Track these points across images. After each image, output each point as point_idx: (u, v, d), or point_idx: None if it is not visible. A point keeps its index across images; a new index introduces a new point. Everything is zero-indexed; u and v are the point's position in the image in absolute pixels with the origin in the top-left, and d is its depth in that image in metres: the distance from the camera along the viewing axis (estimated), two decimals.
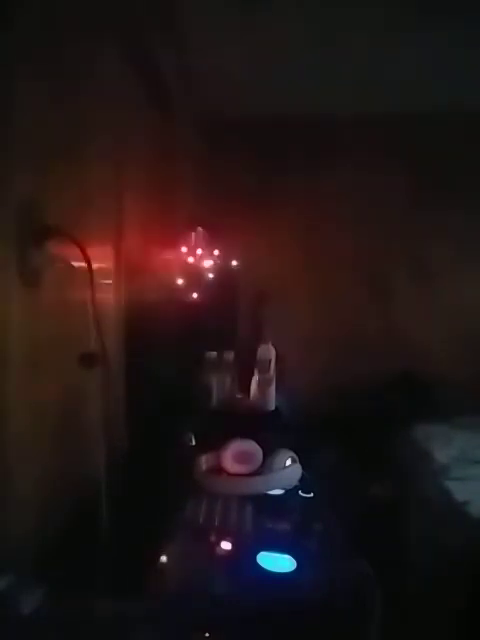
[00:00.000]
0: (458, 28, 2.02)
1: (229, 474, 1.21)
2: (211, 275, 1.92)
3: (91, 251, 1.01)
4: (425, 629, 1.55)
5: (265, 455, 1.22)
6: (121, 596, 0.77)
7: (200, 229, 1.97)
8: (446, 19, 1.96)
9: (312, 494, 1.18)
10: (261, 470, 1.20)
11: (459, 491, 1.89)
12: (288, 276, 3.01)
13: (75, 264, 0.98)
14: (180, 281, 1.74)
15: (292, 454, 1.23)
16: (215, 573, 0.87)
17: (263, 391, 1.65)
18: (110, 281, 1.50)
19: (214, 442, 1.27)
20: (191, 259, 1.89)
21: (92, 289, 0.97)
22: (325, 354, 2.99)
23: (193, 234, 1.94)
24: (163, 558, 0.92)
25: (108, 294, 1.47)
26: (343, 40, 2.13)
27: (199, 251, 1.93)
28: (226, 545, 0.96)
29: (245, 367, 1.75)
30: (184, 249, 1.93)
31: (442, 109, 2.76)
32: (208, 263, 1.96)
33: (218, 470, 1.22)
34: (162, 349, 1.66)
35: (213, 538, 0.98)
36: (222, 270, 1.78)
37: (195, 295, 1.75)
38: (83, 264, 0.97)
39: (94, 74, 1.32)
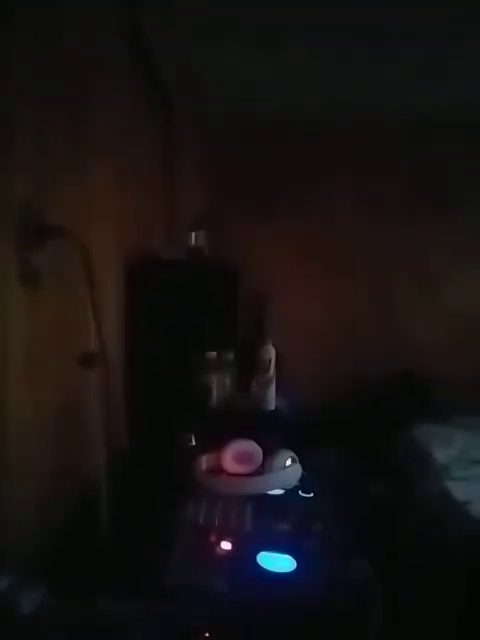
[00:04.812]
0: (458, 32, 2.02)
1: (229, 474, 1.21)
2: (211, 275, 1.91)
3: (91, 251, 1.01)
4: (425, 629, 1.55)
5: (265, 455, 1.22)
6: (121, 596, 0.77)
7: (200, 229, 1.97)
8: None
9: (312, 494, 1.18)
10: (261, 470, 1.20)
11: (459, 491, 1.89)
12: (288, 276, 3.01)
13: (75, 264, 0.98)
14: (180, 280, 1.74)
15: (292, 454, 1.23)
16: (215, 573, 0.87)
17: (263, 391, 1.65)
18: (110, 281, 1.50)
19: (214, 442, 1.27)
20: (191, 259, 1.89)
21: (92, 289, 0.97)
22: (325, 354, 2.99)
23: (193, 234, 1.93)
24: (163, 558, 0.92)
25: (108, 294, 1.47)
26: (344, 40, 2.13)
27: (199, 252, 1.93)
28: (226, 545, 0.96)
29: (245, 367, 1.75)
30: (184, 249, 1.93)
31: (443, 112, 2.77)
32: (208, 263, 1.96)
33: (218, 470, 1.22)
34: (162, 349, 1.66)
35: (213, 538, 0.98)
36: (222, 270, 1.78)
37: (195, 295, 1.74)
38: (83, 264, 0.97)
39: (95, 74, 1.32)
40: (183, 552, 0.94)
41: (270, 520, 1.04)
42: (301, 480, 1.21)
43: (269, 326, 2.51)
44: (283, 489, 1.19)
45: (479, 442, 2.32)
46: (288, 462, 1.21)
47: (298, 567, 0.90)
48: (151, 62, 1.84)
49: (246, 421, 1.57)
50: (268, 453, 1.22)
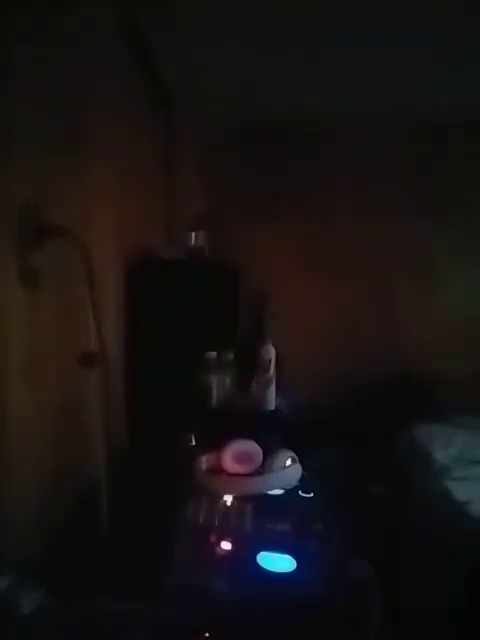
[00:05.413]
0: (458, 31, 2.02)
1: (229, 474, 1.21)
2: (211, 275, 1.91)
3: (91, 251, 1.01)
4: (424, 629, 1.55)
5: (265, 455, 1.22)
6: (121, 596, 0.77)
7: (200, 229, 1.97)
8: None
9: (312, 494, 1.18)
10: (261, 470, 1.20)
11: (459, 491, 1.89)
12: (288, 276, 3.01)
13: (75, 264, 0.98)
14: (180, 280, 1.74)
15: (292, 454, 1.23)
16: (215, 573, 0.87)
17: (263, 391, 1.65)
18: (110, 281, 1.50)
19: (214, 442, 1.27)
20: (191, 259, 1.89)
21: (92, 289, 0.97)
22: (325, 354, 2.99)
23: (193, 234, 1.93)
24: (163, 558, 0.92)
25: (108, 294, 1.47)
26: (344, 40, 2.13)
27: (199, 252, 1.93)
28: (226, 545, 0.95)
29: (245, 367, 1.75)
30: (184, 249, 1.93)
31: (443, 112, 2.77)
32: (208, 263, 1.96)
33: (218, 470, 1.22)
34: (162, 349, 1.66)
35: (213, 538, 0.98)
36: (222, 270, 1.78)
37: (195, 295, 1.75)
38: (83, 264, 0.97)
39: (95, 74, 1.32)
40: (183, 552, 0.94)
41: (270, 520, 1.04)
42: (301, 480, 1.21)
43: (269, 326, 2.51)
44: (283, 489, 1.19)
45: (479, 442, 2.33)
46: (288, 462, 1.21)
47: (298, 567, 0.90)
48: (151, 62, 1.84)
49: (246, 421, 1.57)
50: (268, 453, 1.22)
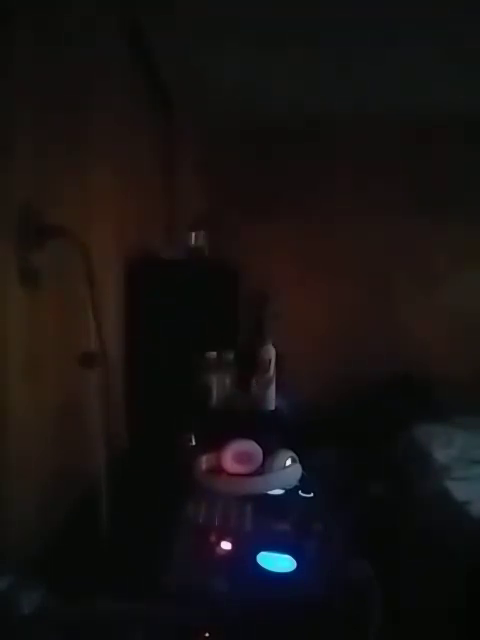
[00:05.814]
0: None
1: (229, 474, 1.21)
2: (211, 275, 1.92)
3: (91, 251, 1.01)
4: (425, 629, 1.55)
5: (265, 455, 1.22)
6: (121, 596, 0.77)
7: (200, 229, 1.97)
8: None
9: (312, 494, 1.18)
10: (261, 470, 1.20)
11: (459, 491, 1.89)
12: (288, 276, 3.01)
13: (75, 264, 0.98)
14: (180, 280, 1.74)
15: (292, 454, 1.23)
16: (215, 573, 0.87)
17: (263, 391, 1.65)
18: (110, 281, 1.50)
19: (214, 442, 1.27)
20: (191, 259, 1.89)
21: (92, 289, 0.97)
22: (325, 354, 2.99)
23: (193, 234, 1.93)
24: (163, 558, 0.92)
25: (108, 294, 1.47)
26: (344, 40, 2.12)
27: (199, 252, 1.93)
28: (226, 545, 0.96)
29: (245, 367, 1.75)
30: (184, 249, 1.93)
31: (443, 112, 2.77)
32: (208, 263, 1.96)
33: (218, 470, 1.22)
34: (162, 349, 1.66)
35: (213, 538, 0.98)
36: (222, 270, 1.78)
37: (195, 295, 1.75)
38: (83, 264, 0.97)
39: (95, 74, 1.32)
40: (183, 552, 0.94)
41: (270, 520, 1.04)
42: (301, 480, 1.21)
43: (269, 326, 2.51)
44: (283, 489, 1.19)
45: (479, 442, 2.32)
46: (288, 462, 1.21)
47: (298, 567, 0.90)
48: (151, 62, 1.84)
49: (246, 421, 1.57)
50: (268, 453, 1.22)
